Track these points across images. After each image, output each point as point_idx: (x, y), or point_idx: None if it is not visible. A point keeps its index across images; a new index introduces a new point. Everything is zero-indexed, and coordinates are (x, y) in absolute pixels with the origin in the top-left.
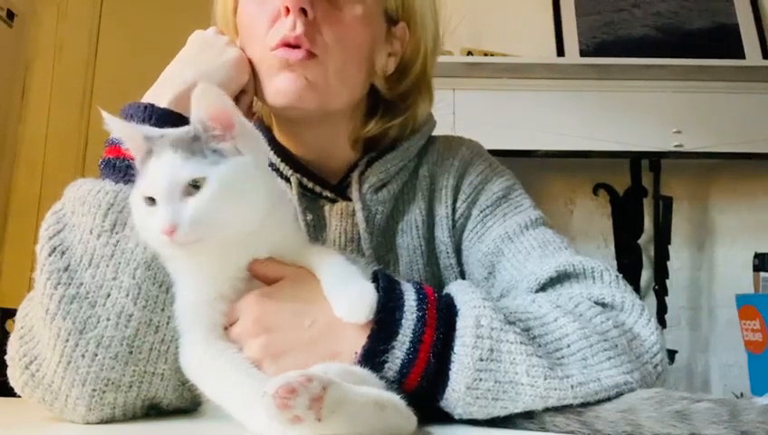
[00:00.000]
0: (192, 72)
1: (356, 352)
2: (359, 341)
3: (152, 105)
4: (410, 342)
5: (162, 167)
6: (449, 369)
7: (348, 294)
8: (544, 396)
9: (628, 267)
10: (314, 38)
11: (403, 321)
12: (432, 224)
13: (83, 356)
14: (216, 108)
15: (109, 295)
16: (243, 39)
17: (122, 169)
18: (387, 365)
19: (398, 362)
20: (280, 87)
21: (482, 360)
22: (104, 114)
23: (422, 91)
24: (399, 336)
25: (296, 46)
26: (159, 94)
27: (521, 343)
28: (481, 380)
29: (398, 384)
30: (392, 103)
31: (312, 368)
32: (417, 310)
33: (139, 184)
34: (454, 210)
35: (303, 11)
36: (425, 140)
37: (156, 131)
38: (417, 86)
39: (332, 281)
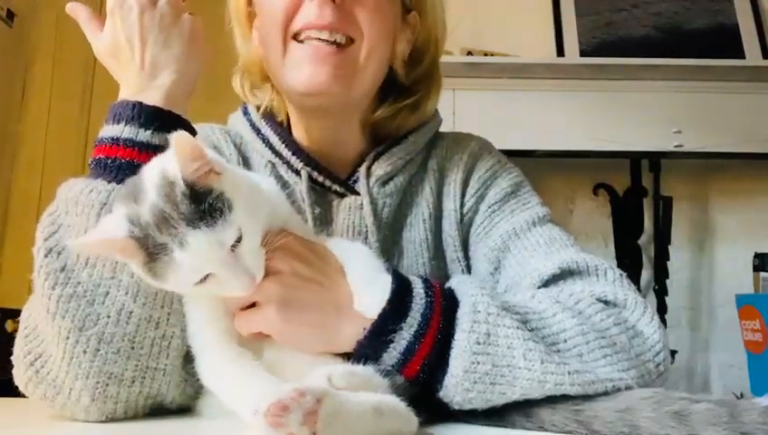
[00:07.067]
0: (169, 57)
1: (364, 328)
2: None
3: (140, 103)
4: (418, 325)
5: (200, 252)
6: (449, 356)
7: (370, 292)
8: (542, 380)
9: (629, 267)
10: (343, 24)
11: (413, 304)
12: (440, 217)
13: (85, 352)
14: (190, 151)
15: (107, 294)
16: (262, 26)
17: (114, 169)
18: (392, 346)
19: (404, 343)
20: (306, 78)
21: (479, 344)
22: (76, 245)
23: (433, 79)
24: (408, 319)
25: (324, 37)
26: (143, 88)
27: (517, 328)
28: (478, 363)
29: (398, 369)
30: (402, 90)
31: (313, 373)
32: (426, 296)
33: (175, 282)
34: (462, 204)
35: None
36: (431, 133)
37: (143, 216)
38: (429, 74)
39: (357, 273)
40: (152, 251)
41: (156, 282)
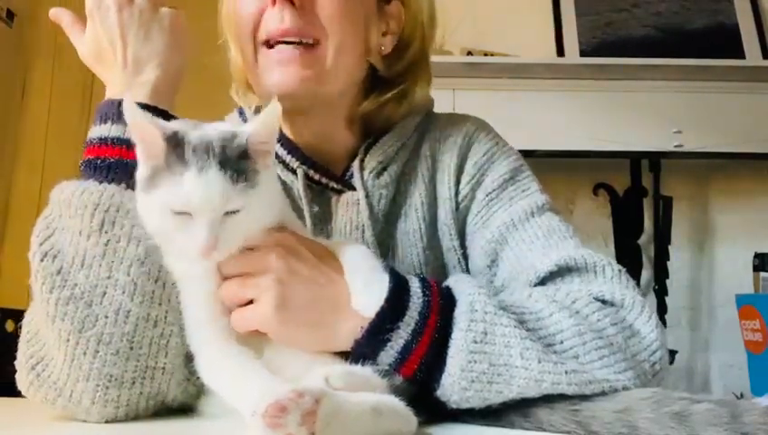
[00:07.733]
0: (151, 52)
1: (362, 327)
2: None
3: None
4: (416, 323)
5: (208, 187)
6: (446, 355)
7: (368, 292)
8: (538, 380)
9: (629, 267)
10: (305, 27)
11: (410, 303)
12: (434, 205)
13: (85, 353)
14: (272, 127)
15: (105, 294)
16: (239, 34)
17: (104, 169)
18: (389, 344)
19: (402, 342)
20: (275, 81)
21: (476, 342)
22: (126, 103)
23: (420, 69)
24: (406, 318)
25: (288, 41)
26: (128, 86)
27: (515, 327)
28: (475, 362)
29: (396, 368)
30: (389, 83)
31: (310, 375)
32: (423, 295)
33: (165, 194)
34: (457, 192)
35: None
36: (421, 116)
37: (190, 136)
38: (415, 64)
39: (355, 272)
40: (171, 161)
41: (146, 192)
